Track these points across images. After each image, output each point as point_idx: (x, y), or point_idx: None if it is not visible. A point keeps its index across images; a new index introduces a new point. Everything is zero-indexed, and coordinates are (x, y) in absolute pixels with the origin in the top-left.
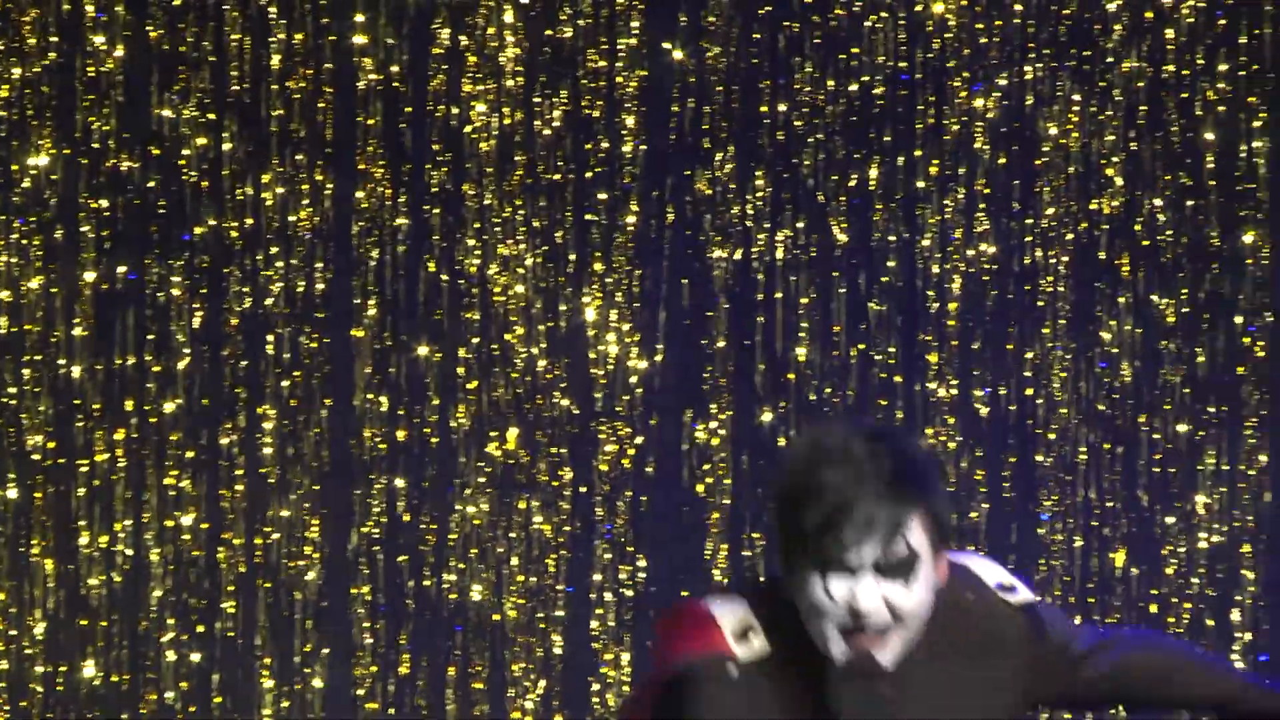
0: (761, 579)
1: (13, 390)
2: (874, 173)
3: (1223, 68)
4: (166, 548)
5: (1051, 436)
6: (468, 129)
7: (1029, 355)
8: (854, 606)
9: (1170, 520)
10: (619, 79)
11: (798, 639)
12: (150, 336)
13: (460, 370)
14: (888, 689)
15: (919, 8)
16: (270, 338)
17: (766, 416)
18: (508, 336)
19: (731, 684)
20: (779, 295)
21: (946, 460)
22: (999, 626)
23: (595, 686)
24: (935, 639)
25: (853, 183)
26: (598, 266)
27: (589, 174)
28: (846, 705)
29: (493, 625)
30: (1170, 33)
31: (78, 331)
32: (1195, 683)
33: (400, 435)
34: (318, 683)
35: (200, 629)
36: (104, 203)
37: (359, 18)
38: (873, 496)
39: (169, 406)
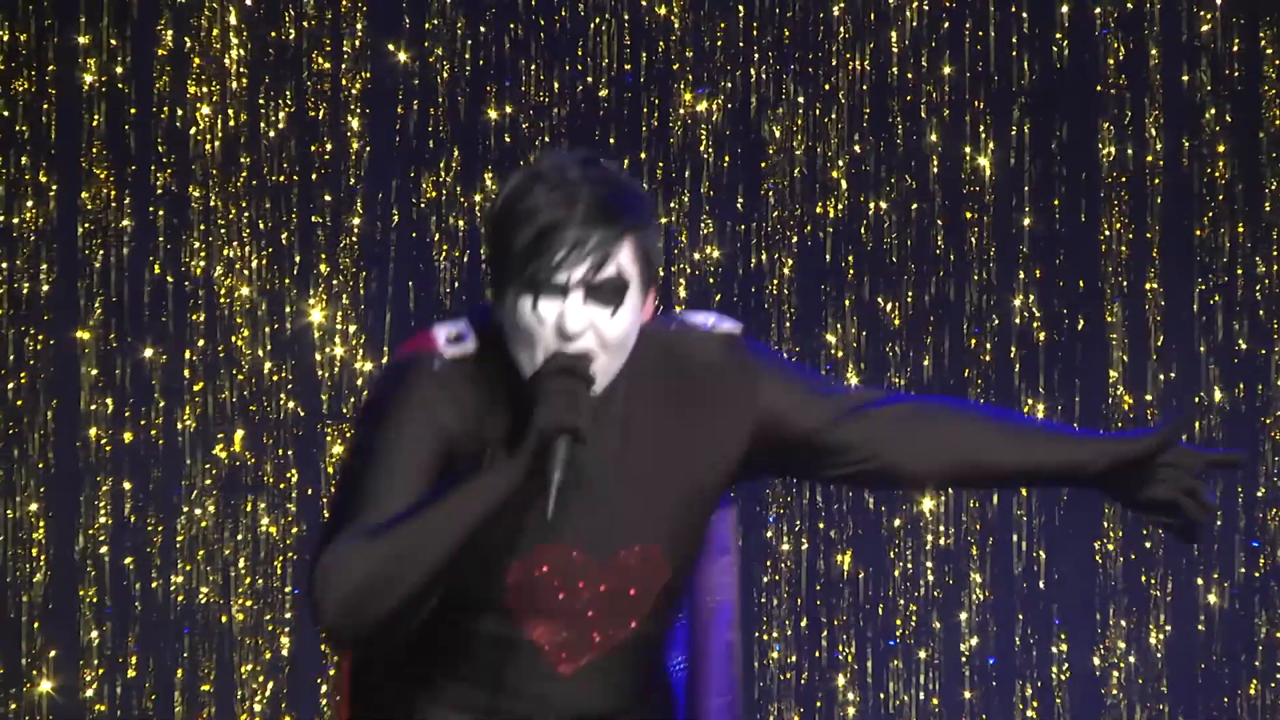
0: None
1: None
2: None
3: (947, 70)
4: None
5: None
6: (192, 130)
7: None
8: (561, 327)
9: (898, 523)
10: (344, 80)
11: (507, 355)
12: None
13: (186, 372)
14: (598, 425)
15: (644, 9)
16: None
17: None
18: (234, 339)
19: (433, 372)
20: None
21: None
22: (707, 355)
23: (324, 688)
24: (643, 382)
25: None
26: (323, 269)
27: (314, 176)
28: (542, 411)
29: (220, 627)
30: (894, 35)
31: None
32: (990, 442)
33: (127, 437)
34: (45, 685)
35: None
36: None
37: (82, 19)
38: (584, 217)
39: None
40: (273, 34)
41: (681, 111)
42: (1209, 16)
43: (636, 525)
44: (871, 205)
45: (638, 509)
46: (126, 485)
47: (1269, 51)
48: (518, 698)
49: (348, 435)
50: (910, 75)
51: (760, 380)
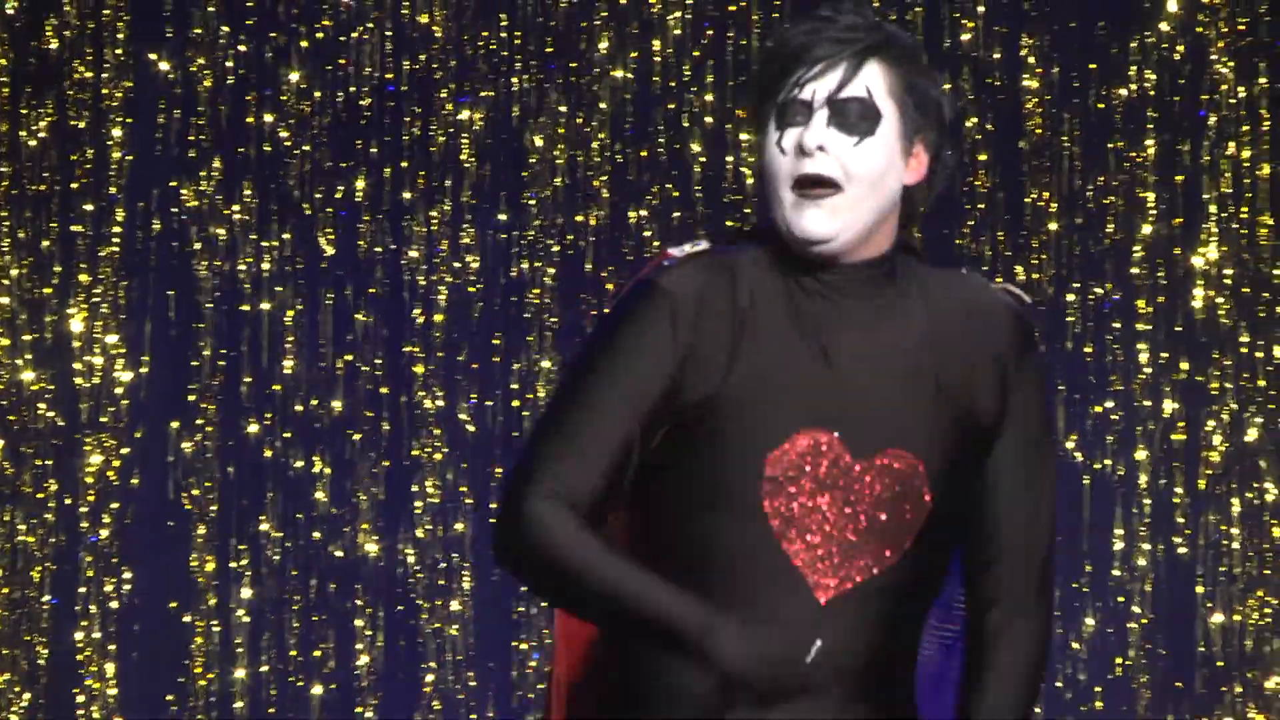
0: None
1: None
2: (361, 184)
3: (709, 79)
4: None
5: None
6: None
7: (516, 366)
8: (801, 144)
9: None
10: (104, 90)
11: (757, 242)
12: None
13: None
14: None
15: (406, 18)
16: None
17: (253, 428)
18: None
19: (674, 266)
20: (265, 306)
21: (432, 471)
22: (990, 298)
23: (80, 698)
24: (935, 292)
25: (339, 194)
26: (83, 278)
27: (74, 184)
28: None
29: None
30: (657, 44)
31: None
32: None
33: None
34: None
35: None
36: None
37: None
38: (834, 37)
39: None
40: (33, 43)
41: (444, 120)
42: (970, 25)
43: (901, 427)
44: (633, 214)
45: (905, 410)
46: None
47: (1030, 60)
48: (765, 620)
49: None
50: (673, 84)
51: (1028, 363)
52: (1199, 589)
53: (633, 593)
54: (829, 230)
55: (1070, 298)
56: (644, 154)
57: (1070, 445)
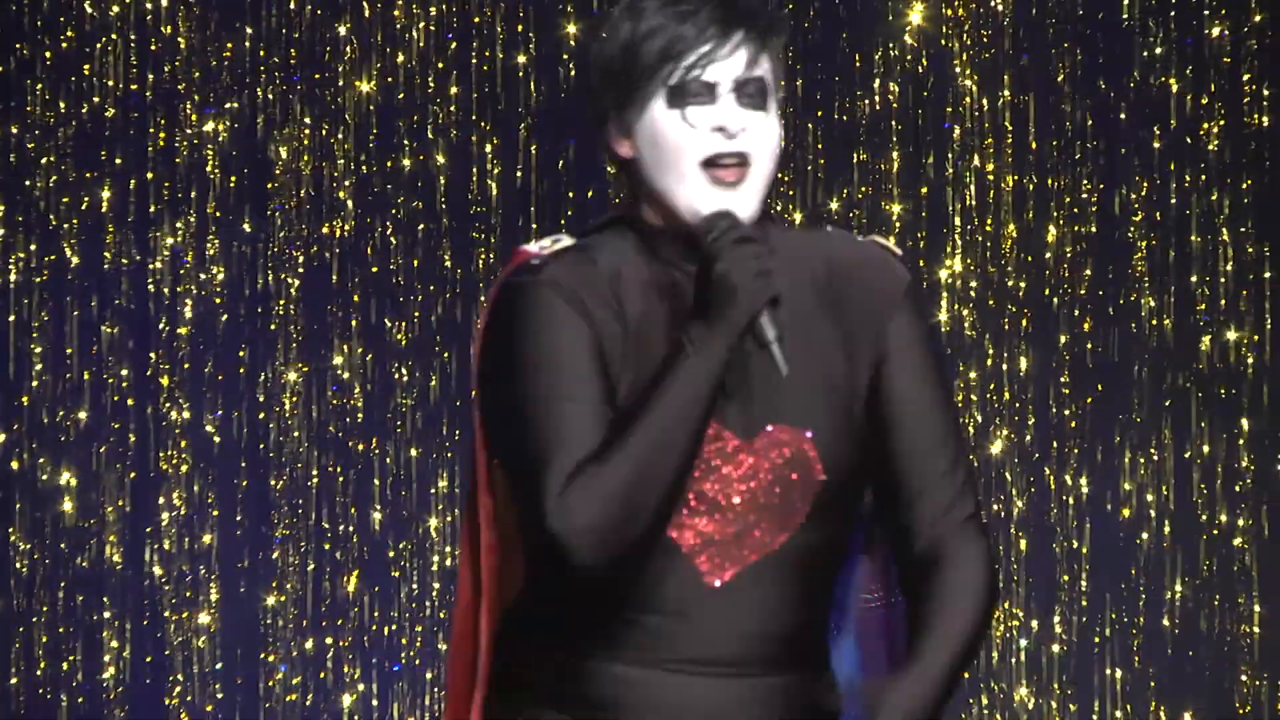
0: None
1: None
2: (106, 195)
3: (454, 90)
4: None
5: (284, 460)
6: None
7: (261, 378)
8: (723, 125)
9: (403, 545)
10: None
11: (617, 234)
12: None
13: None
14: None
15: (150, 29)
16: None
17: (1, 437)
18: None
19: (543, 275)
20: (12, 318)
21: (179, 483)
22: (859, 253)
23: None
24: (794, 259)
25: (85, 205)
26: None
27: None
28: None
29: None
30: (401, 56)
31: None
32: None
33: None
34: None
35: None
36: None
37: None
38: (722, 15)
39: None
40: None
41: (189, 131)
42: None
43: (783, 402)
44: (379, 226)
45: (786, 384)
46: None
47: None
48: (659, 610)
49: (479, 393)
50: (417, 96)
51: (905, 306)
52: None
53: (661, 407)
54: (743, 214)
55: None
56: (389, 165)
57: None
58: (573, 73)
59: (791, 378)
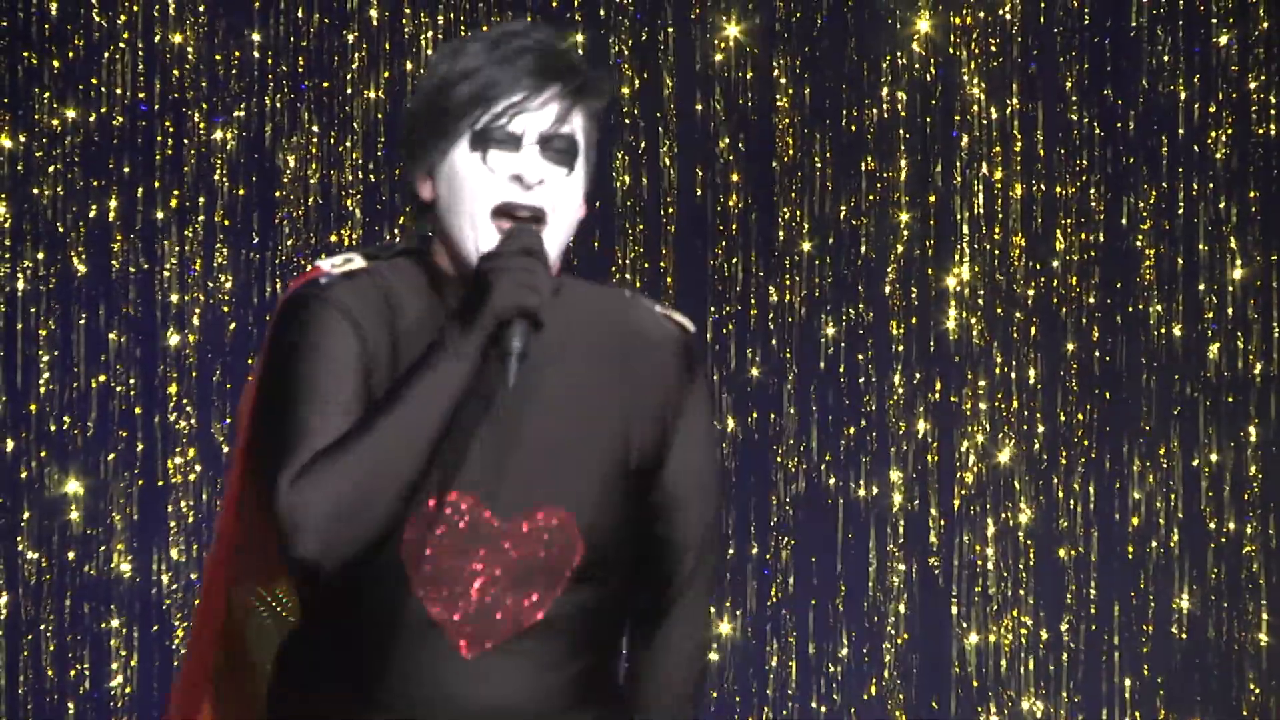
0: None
1: None
2: (114, 203)
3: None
4: None
5: None
6: None
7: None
8: (520, 174)
9: None
10: None
11: (403, 268)
12: None
13: None
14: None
15: (158, 38)
16: None
17: (10, 445)
18: None
19: (327, 291)
20: (19, 326)
21: (186, 491)
22: (658, 330)
23: None
24: (578, 326)
25: (92, 213)
26: None
27: None
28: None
29: None
30: (409, 65)
31: None
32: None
33: None
34: None
35: None
36: None
37: None
38: (539, 68)
39: None
40: None
41: (196, 139)
42: (722, 45)
43: (549, 483)
44: (386, 235)
45: (550, 463)
46: None
47: (781, 81)
48: (413, 683)
49: (252, 382)
50: None
51: (692, 389)
52: (953, 609)
53: (401, 405)
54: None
55: (823, 318)
56: (397, 174)
57: (823, 467)
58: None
59: (565, 459)
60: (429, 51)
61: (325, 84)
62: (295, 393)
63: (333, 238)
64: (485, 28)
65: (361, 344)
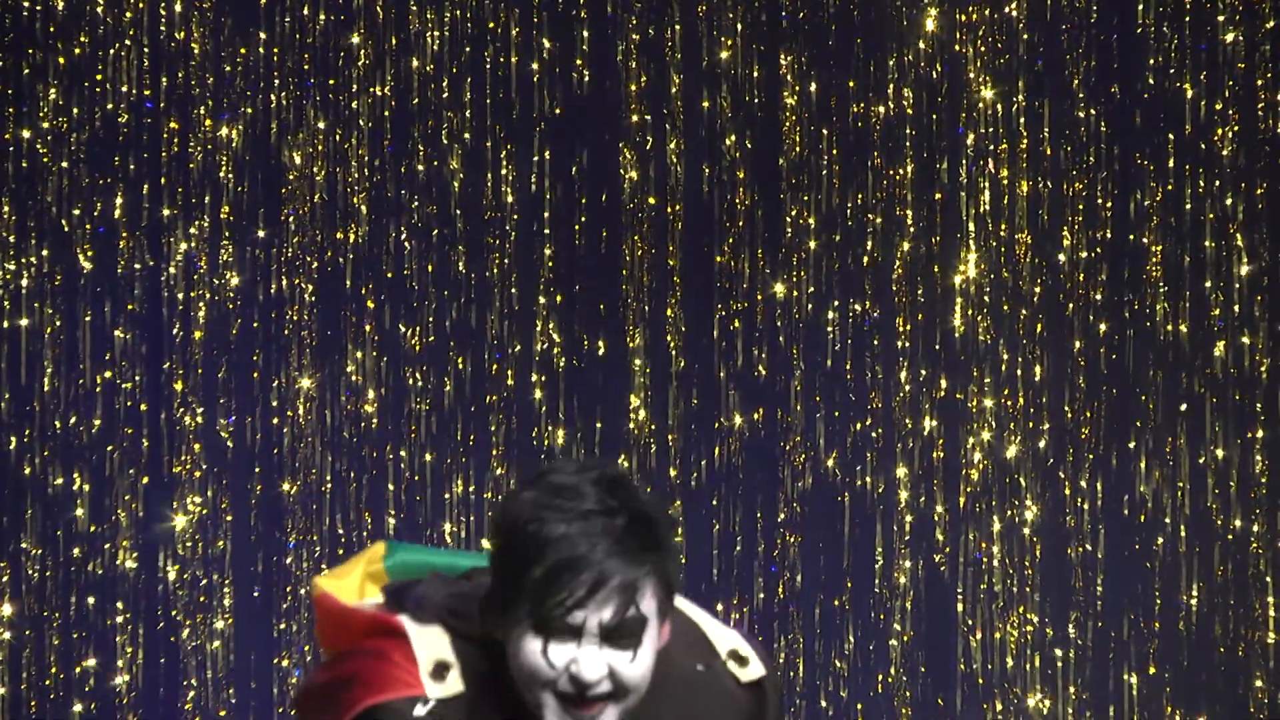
0: (463, 580)
1: None
2: (119, 200)
3: (469, 97)
4: None
5: (297, 465)
6: None
7: (275, 383)
8: (576, 675)
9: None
10: None
11: (497, 681)
12: None
13: None
14: None
15: (164, 35)
16: None
17: (13, 443)
18: None
19: None
20: (24, 323)
21: (192, 488)
22: (723, 703)
23: None
24: (653, 701)
25: (98, 210)
26: None
27: None
28: None
29: None
30: (415, 62)
31: None
32: None
33: None
34: None
35: None
36: None
37: None
38: (606, 557)
39: None
40: None
41: (202, 136)
42: (729, 43)
43: None
44: (392, 231)
45: None
46: None
47: (788, 78)
48: None
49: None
50: (431, 101)
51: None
52: (959, 606)
53: None
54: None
55: (830, 315)
56: (403, 170)
57: (830, 463)
58: (586, 79)
59: None
60: (434, 49)
61: (331, 81)
62: None
63: (338, 234)
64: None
65: None
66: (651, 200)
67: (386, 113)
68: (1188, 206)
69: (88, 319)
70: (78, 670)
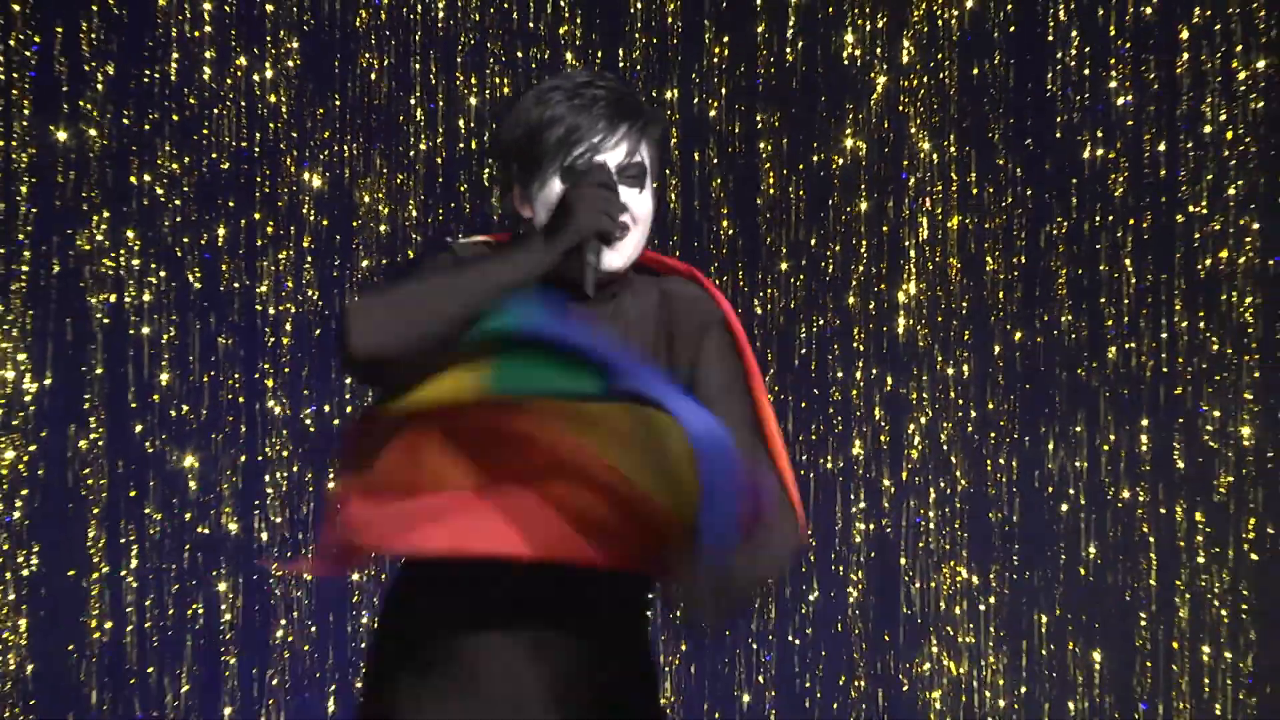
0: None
1: None
2: (222, 231)
3: None
4: None
5: None
6: None
7: (347, 380)
8: None
9: None
10: (13, 155)
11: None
12: None
13: None
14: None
15: (257, 94)
16: None
17: (139, 428)
18: None
19: (449, 248)
20: (147, 330)
21: (280, 465)
22: (699, 295)
23: None
24: (641, 304)
25: (204, 240)
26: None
27: None
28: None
29: None
30: (461, 121)
31: None
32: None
33: None
34: None
35: None
36: None
37: None
38: (613, 108)
39: None
40: None
41: (289, 179)
42: (715, 104)
43: None
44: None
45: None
46: None
47: (764, 131)
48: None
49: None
50: (474, 151)
51: (713, 328)
52: (902, 561)
53: (473, 266)
54: (618, 266)
55: (799, 326)
56: (452, 206)
57: (798, 446)
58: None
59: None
60: (475, 108)
61: (394, 136)
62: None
63: (398, 259)
64: (566, 69)
65: None
66: (652, 230)
67: (439, 159)
68: (1087, 237)
69: (197, 328)
70: (189, 613)
